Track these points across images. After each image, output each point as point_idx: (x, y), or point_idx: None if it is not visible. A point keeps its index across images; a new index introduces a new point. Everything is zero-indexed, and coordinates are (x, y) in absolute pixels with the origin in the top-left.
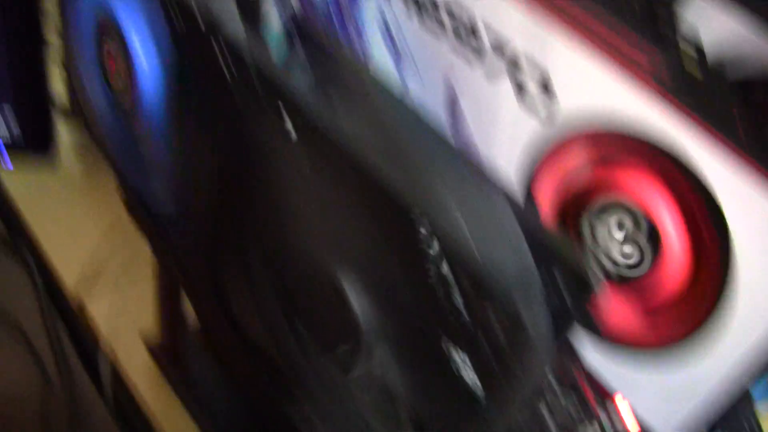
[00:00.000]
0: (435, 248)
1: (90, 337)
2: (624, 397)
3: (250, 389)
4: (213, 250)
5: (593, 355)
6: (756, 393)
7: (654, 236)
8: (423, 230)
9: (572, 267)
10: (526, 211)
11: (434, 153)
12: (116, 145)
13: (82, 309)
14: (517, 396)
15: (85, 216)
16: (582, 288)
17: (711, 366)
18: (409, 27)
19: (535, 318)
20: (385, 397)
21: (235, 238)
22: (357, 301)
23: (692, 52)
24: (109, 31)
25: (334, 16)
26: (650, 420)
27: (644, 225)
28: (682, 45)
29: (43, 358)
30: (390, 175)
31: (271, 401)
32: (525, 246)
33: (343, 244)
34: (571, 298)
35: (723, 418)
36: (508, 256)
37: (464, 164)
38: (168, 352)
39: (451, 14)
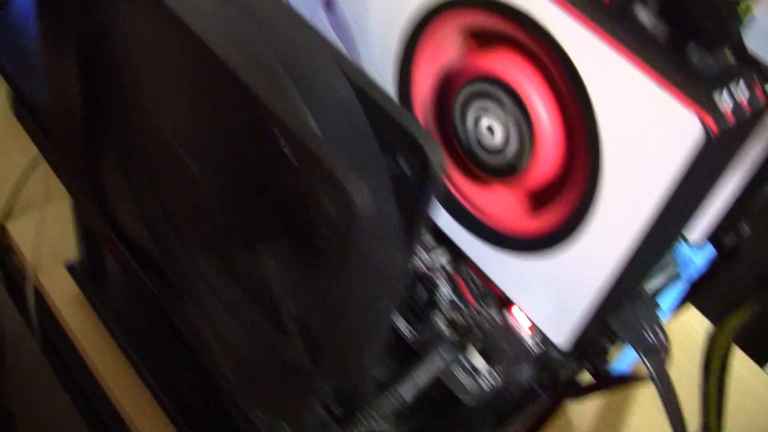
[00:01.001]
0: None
1: (15, 266)
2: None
3: (148, 298)
4: (86, 146)
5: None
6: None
7: (525, 116)
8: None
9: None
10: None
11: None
12: None
13: (7, 238)
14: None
15: (10, 145)
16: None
17: (590, 250)
18: None
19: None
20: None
21: (102, 131)
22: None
23: None
24: None
25: None
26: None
27: (513, 104)
28: None
29: None
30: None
31: (166, 308)
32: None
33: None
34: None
35: (618, 318)
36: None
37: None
38: (87, 272)
39: None
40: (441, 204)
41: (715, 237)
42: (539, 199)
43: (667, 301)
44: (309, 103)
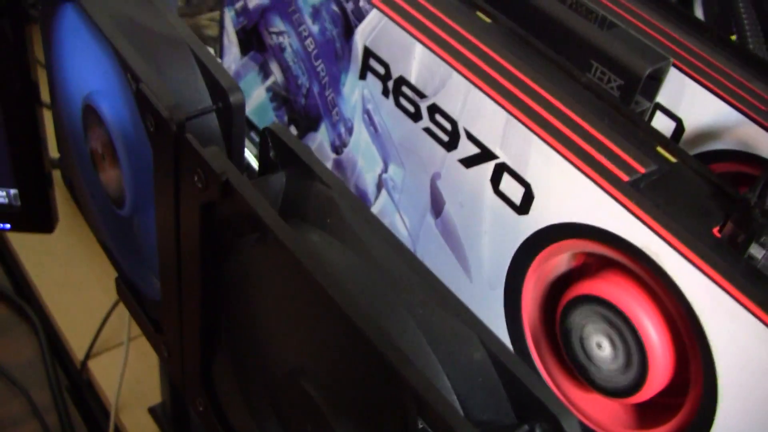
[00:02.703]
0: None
1: (99, 408)
2: None
3: None
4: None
5: None
6: None
7: (639, 343)
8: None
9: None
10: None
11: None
12: (106, 228)
13: (89, 376)
14: None
15: (94, 284)
16: None
17: None
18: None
19: None
20: None
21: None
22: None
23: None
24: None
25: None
26: None
27: (628, 332)
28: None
29: (51, 428)
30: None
31: None
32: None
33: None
34: None
35: None
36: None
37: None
38: (169, 416)
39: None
40: None
41: None
42: (647, 414)
43: None
44: (446, 368)
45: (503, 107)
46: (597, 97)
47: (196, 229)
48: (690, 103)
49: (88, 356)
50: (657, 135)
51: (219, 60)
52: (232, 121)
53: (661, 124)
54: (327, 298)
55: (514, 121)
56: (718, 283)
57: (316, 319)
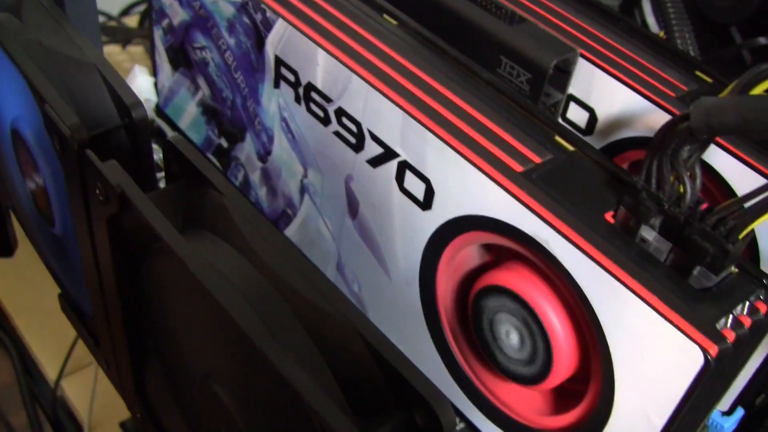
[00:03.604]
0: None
1: (71, 423)
2: None
3: None
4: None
5: None
6: None
7: (539, 326)
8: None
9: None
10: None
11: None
12: (46, 248)
13: (62, 395)
14: None
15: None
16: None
17: None
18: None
19: None
20: None
21: (144, 347)
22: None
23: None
24: (19, 142)
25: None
26: None
27: (532, 321)
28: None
29: None
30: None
31: None
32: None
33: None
34: None
35: None
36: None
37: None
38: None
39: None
40: (469, 398)
41: (744, 401)
42: (559, 396)
43: None
44: (329, 362)
45: (399, 106)
46: (498, 92)
47: (106, 242)
48: (600, 93)
49: (60, 376)
50: (555, 125)
51: (125, 80)
52: (137, 136)
53: (576, 115)
54: (217, 305)
55: (410, 118)
56: (605, 267)
57: (214, 324)
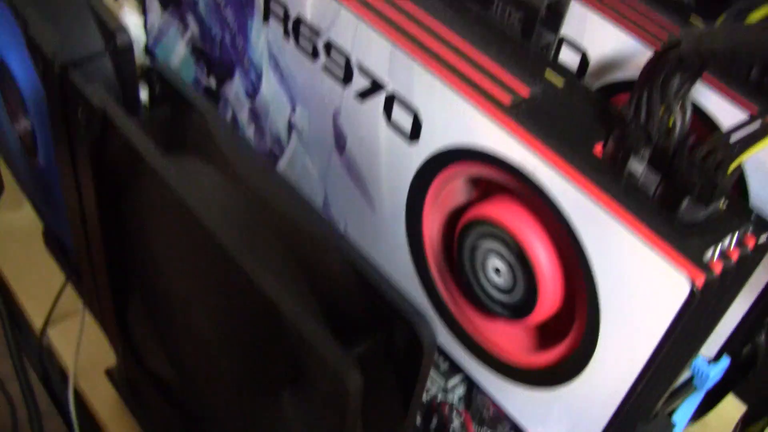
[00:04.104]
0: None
1: (58, 375)
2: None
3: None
4: (109, 287)
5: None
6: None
7: (525, 260)
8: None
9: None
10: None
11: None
12: (26, 180)
13: (48, 343)
14: None
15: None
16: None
17: (596, 385)
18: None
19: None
20: None
21: (124, 276)
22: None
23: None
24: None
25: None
26: None
27: (518, 253)
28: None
29: (13, 399)
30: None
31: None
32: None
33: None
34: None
35: None
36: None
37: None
38: (128, 384)
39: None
40: (454, 336)
41: (731, 349)
42: (546, 333)
43: (684, 413)
44: (309, 280)
45: (388, 38)
46: (489, 28)
47: (89, 170)
48: (593, 36)
49: (46, 324)
50: (545, 60)
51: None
52: (120, 62)
53: (568, 57)
54: (198, 223)
55: (398, 50)
56: (592, 197)
57: (196, 247)
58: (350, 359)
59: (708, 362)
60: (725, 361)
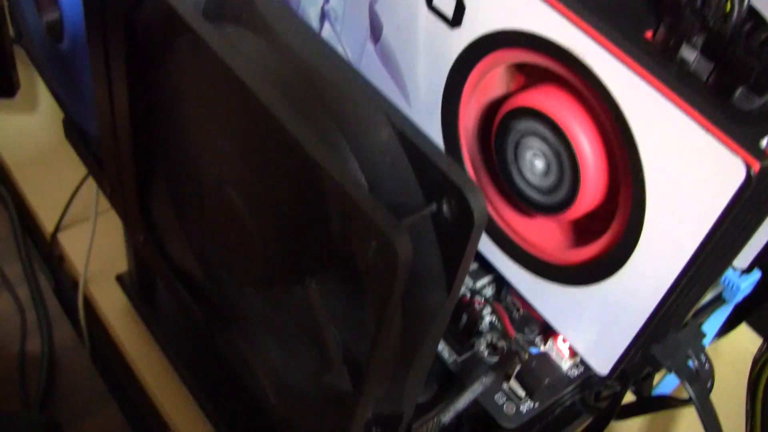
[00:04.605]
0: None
1: (68, 280)
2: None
3: (195, 322)
4: (135, 176)
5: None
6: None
7: (569, 151)
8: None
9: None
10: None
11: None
12: (49, 69)
13: (59, 248)
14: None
15: (64, 158)
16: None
17: (634, 283)
18: None
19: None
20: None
21: (152, 163)
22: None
23: None
24: None
25: None
26: (582, 346)
27: (557, 139)
28: None
29: (22, 303)
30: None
31: (212, 333)
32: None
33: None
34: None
35: (662, 348)
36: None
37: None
38: (136, 284)
39: None
40: (486, 232)
41: (763, 261)
42: (583, 231)
43: (712, 326)
44: (354, 150)
45: None
46: None
47: (122, 44)
48: None
49: (57, 229)
50: None
51: None
52: None
53: None
54: (242, 88)
55: None
56: (645, 78)
57: (236, 120)
58: (402, 225)
59: (740, 275)
60: (756, 274)
